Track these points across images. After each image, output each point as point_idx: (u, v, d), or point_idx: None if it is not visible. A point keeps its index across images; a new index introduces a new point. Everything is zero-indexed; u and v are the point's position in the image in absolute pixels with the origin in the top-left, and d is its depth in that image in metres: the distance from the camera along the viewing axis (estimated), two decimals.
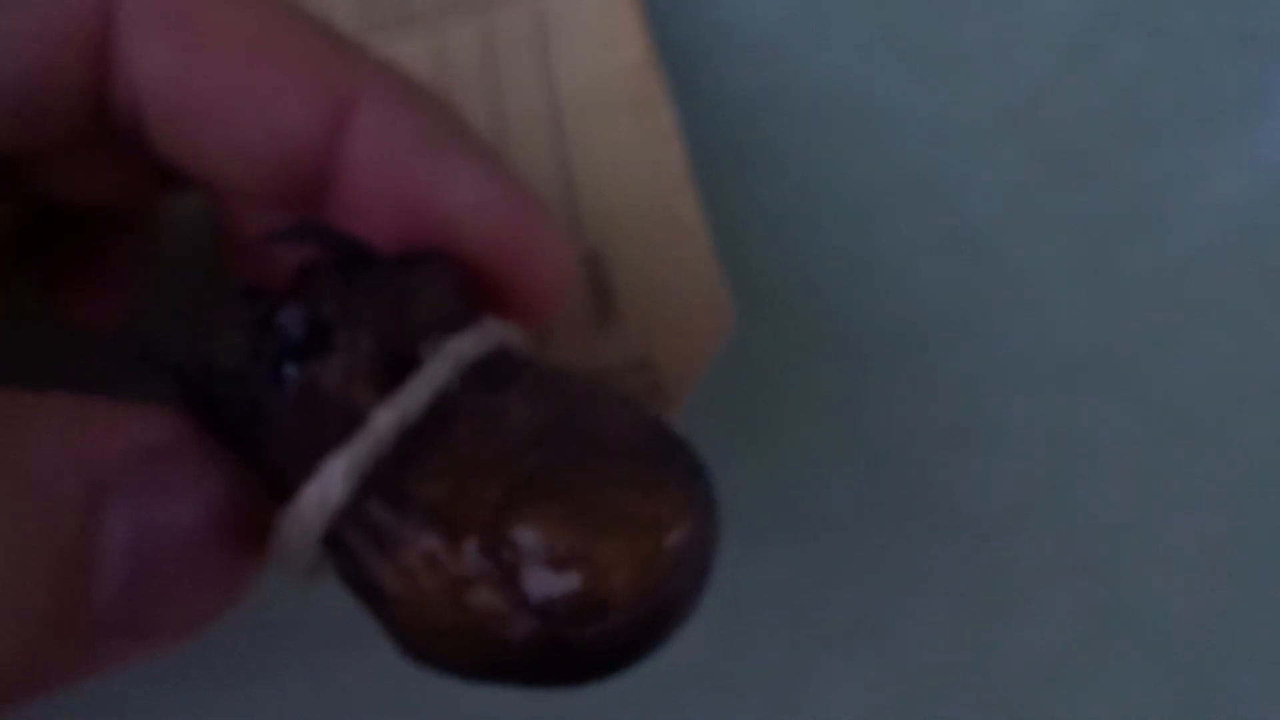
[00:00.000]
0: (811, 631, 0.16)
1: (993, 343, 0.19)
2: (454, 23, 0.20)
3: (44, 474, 0.09)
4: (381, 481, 0.10)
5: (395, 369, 0.11)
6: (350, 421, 0.10)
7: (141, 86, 0.12)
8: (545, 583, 0.10)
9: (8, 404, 0.09)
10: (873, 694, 0.16)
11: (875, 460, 0.18)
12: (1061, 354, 0.19)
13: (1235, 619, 0.17)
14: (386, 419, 0.10)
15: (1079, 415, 0.18)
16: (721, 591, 0.17)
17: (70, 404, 0.10)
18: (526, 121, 0.16)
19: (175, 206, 0.18)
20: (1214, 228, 0.20)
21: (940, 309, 0.19)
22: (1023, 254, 0.20)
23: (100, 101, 0.12)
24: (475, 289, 0.12)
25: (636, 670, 0.16)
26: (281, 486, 0.11)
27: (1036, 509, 0.17)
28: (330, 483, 0.10)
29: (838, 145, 0.21)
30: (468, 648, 0.10)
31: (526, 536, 0.10)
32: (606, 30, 0.19)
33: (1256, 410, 0.18)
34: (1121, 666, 0.16)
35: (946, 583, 0.17)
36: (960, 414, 0.18)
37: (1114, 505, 0.17)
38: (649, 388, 0.16)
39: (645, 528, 0.10)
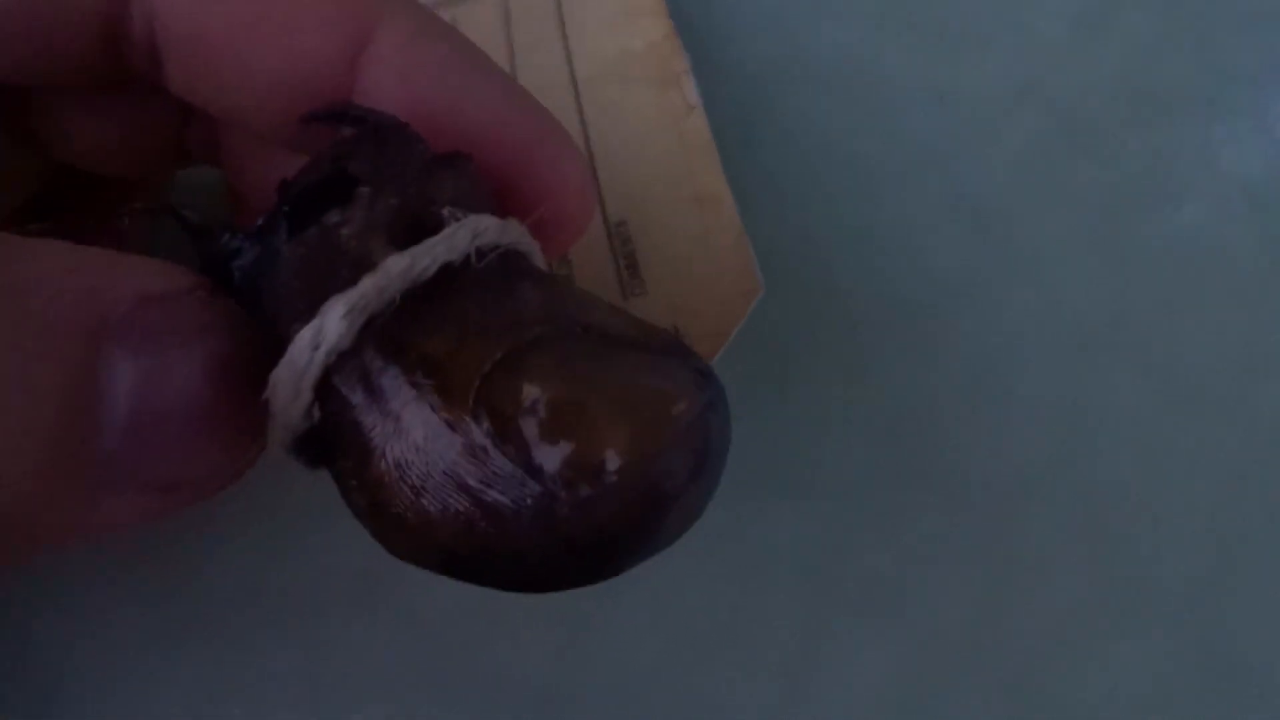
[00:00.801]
0: (826, 595, 0.17)
1: (1002, 312, 0.19)
2: (476, 5, 0.20)
3: (47, 310, 0.09)
4: (381, 331, 0.10)
5: (415, 232, 0.10)
6: (361, 271, 0.10)
7: (159, 14, 0.12)
8: (541, 439, 0.09)
9: (12, 244, 0.09)
10: (887, 656, 0.16)
11: (888, 427, 0.18)
12: (1071, 324, 0.19)
13: (1246, 586, 0.17)
14: (397, 264, 0.10)
15: (1089, 384, 0.18)
16: (737, 554, 0.17)
17: (75, 248, 0.10)
18: (543, 93, 0.16)
19: (185, 178, 0.18)
20: (1223, 201, 0.20)
21: (950, 279, 0.19)
22: (1032, 226, 0.20)
23: (115, 32, 0.12)
24: (501, 202, 0.12)
25: (647, 629, 0.16)
26: (284, 344, 0.10)
27: (1047, 476, 0.17)
28: (329, 321, 0.10)
29: (847, 118, 0.21)
30: (451, 514, 0.10)
31: (525, 391, 0.10)
32: (625, 7, 0.19)
33: (1265, 379, 0.18)
34: (1132, 633, 0.16)
35: (959, 548, 0.17)
36: (971, 382, 0.18)
37: (1124, 473, 0.17)
38: None
39: (646, 396, 0.10)
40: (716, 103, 0.20)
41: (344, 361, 0.10)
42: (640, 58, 0.18)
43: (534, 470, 0.09)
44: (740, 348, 0.18)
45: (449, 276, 0.10)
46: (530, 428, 0.10)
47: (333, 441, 0.11)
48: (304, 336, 0.10)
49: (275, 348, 0.10)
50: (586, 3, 0.20)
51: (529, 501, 0.09)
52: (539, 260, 0.12)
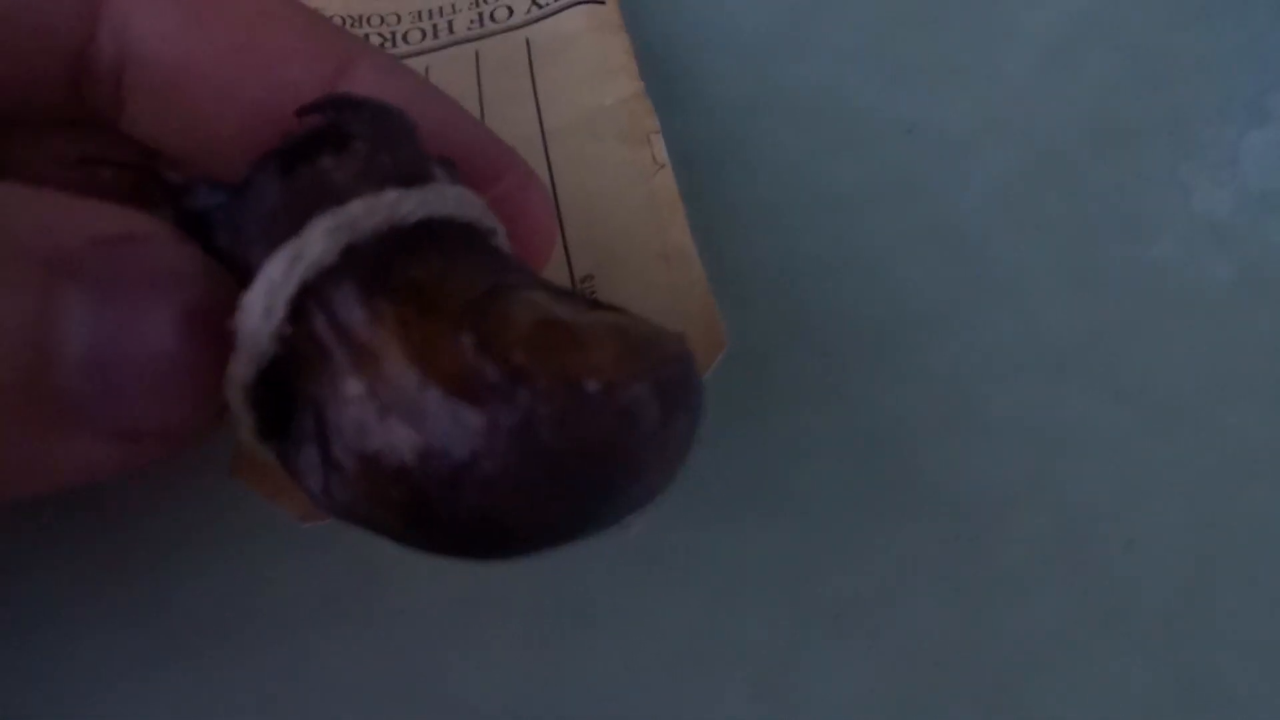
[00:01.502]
0: (800, 615, 0.16)
1: (975, 336, 0.19)
2: (447, 55, 0.21)
3: (7, 236, 0.09)
4: (363, 258, 0.10)
5: (400, 182, 0.10)
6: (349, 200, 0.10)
7: (134, 45, 0.12)
8: (523, 356, 0.09)
9: None
10: (863, 677, 0.16)
11: (863, 450, 0.18)
12: (1043, 348, 0.19)
13: (1220, 606, 0.17)
14: (387, 196, 0.10)
15: (1061, 407, 0.18)
16: (712, 575, 0.17)
17: (31, 189, 0.10)
18: (513, 144, 0.17)
19: None
20: (1190, 234, 0.21)
21: (923, 304, 0.19)
22: (1003, 253, 0.20)
23: (81, 65, 0.12)
24: None
25: (622, 649, 0.16)
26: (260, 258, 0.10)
27: (1022, 497, 0.17)
28: (311, 237, 0.10)
29: (822, 148, 0.21)
30: (428, 438, 0.09)
31: (509, 312, 0.09)
32: (600, 64, 0.20)
33: (1234, 403, 0.18)
34: (1109, 653, 0.16)
35: (934, 568, 0.17)
36: (945, 405, 0.18)
37: (1098, 496, 0.18)
38: None
39: (631, 331, 0.10)
40: (695, 133, 0.20)
41: (324, 282, 0.10)
42: (611, 115, 0.19)
43: (514, 379, 0.09)
44: (716, 371, 0.18)
45: (431, 232, 0.10)
46: (509, 346, 0.09)
47: (298, 375, 0.10)
48: (283, 252, 0.10)
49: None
50: (558, 58, 0.20)
51: (507, 416, 0.09)
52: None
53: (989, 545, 0.17)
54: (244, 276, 0.10)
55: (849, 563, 0.17)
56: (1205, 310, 0.19)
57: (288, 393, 0.10)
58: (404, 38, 0.21)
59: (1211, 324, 0.19)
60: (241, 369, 0.10)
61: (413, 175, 0.11)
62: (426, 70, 0.20)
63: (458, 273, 0.10)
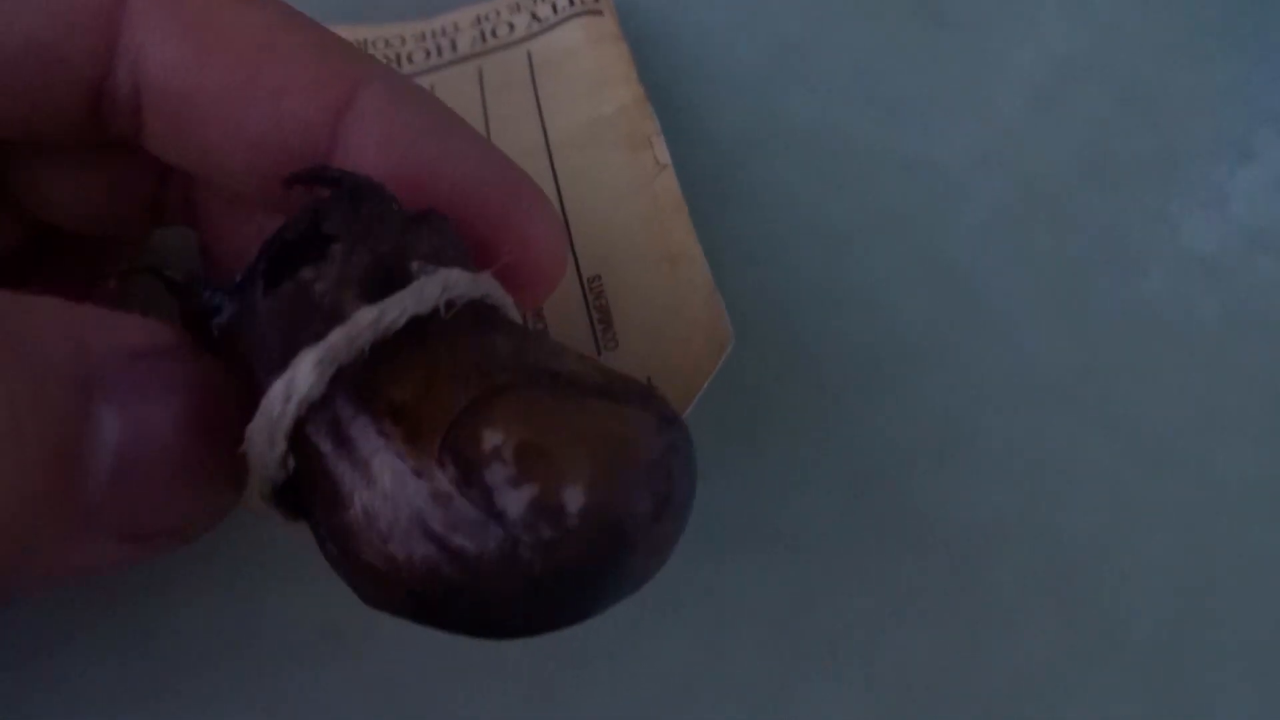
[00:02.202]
0: (793, 646, 0.17)
1: (967, 370, 0.19)
2: (451, 73, 0.21)
3: (42, 360, 0.09)
4: (352, 380, 0.10)
5: (387, 287, 0.11)
6: (333, 324, 0.10)
7: (148, 76, 0.12)
8: (504, 483, 0.10)
9: (6, 299, 0.10)
10: (854, 708, 0.16)
11: (856, 482, 0.18)
12: (1034, 381, 0.19)
13: (1209, 637, 0.17)
14: (365, 316, 0.10)
15: (1052, 441, 0.18)
16: (703, 606, 0.17)
17: (68, 304, 0.10)
18: (518, 157, 0.17)
19: (158, 238, 0.18)
20: (1179, 268, 0.21)
21: (916, 338, 0.19)
22: (995, 288, 0.20)
23: (101, 94, 0.13)
24: (476, 258, 0.13)
25: (616, 683, 0.16)
26: (263, 391, 0.10)
27: (1014, 529, 0.18)
28: (300, 372, 0.10)
29: (816, 184, 0.21)
30: (418, 560, 0.10)
31: (488, 437, 0.10)
32: (601, 74, 0.20)
33: (1222, 437, 0.19)
34: (1099, 683, 0.16)
35: (926, 600, 0.17)
36: (937, 437, 0.18)
37: (1089, 527, 0.18)
38: None
39: (607, 439, 0.10)
40: (690, 169, 0.21)
41: (315, 412, 0.10)
42: (612, 122, 0.19)
43: (497, 514, 0.10)
44: (711, 403, 0.18)
45: (419, 328, 0.11)
46: (494, 473, 0.10)
47: (307, 491, 0.11)
48: (277, 388, 0.10)
49: (253, 400, 0.11)
50: (559, 70, 0.20)
51: (493, 545, 0.10)
52: (513, 313, 0.13)
53: (981, 576, 0.17)
54: (245, 381, 0.11)
55: (843, 594, 0.17)
56: (1193, 345, 0.20)
57: (303, 490, 0.11)
58: (409, 58, 0.21)
59: (1199, 359, 0.20)
60: (258, 486, 0.11)
61: (392, 270, 0.11)
62: (432, 88, 0.20)
63: (439, 386, 0.10)
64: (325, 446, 0.10)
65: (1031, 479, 0.18)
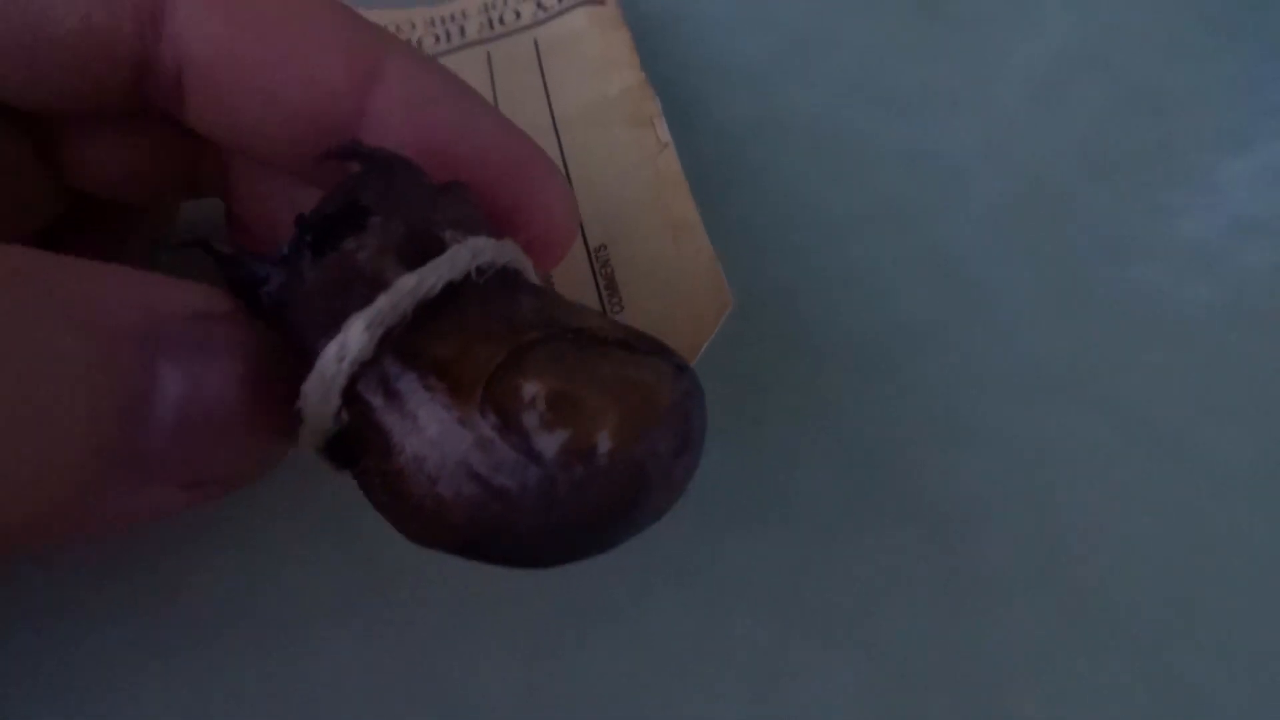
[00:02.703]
0: (790, 617, 0.17)
1: (964, 355, 0.20)
2: (461, 57, 0.22)
3: (110, 316, 0.10)
4: (397, 341, 0.11)
5: (422, 254, 0.12)
6: (376, 290, 0.11)
7: (190, 53, 0.13)
8: (540, 428, 0.11)
9: (80, 262, 0.10)
10: (850, 678, 0.17)
11: (854, 460, 0.18)
12: (1029, 366, 0.20)
13: (1196, 616, 0.17)
14: (407, 282, 0.11)
15: (1047, 424, 0.19)
16: (704, 576, 0.17)
17: (133, 270, 0.11)
18: (527, 132, 0.18)
19: (188, 209, 0.19)
20: (1175, 257, 0.21)
21: (915, 323, 0.20)
22: (993, 276, 0.21)
23: (143, 71, 0.13)
24: (495, 225, 0.13)
25: (618, 652, 0.17)
26: (311, 357, 0.11)
27: (1006, 509, 0.18)
28: (351, 335, 0.11)
29: (819, 174, 0.22)
30: (464, 499, 0.11)
31: (525, 388, 0.11)
32: (604, 57, 0.21)
33: (1213, 422, 0.19)
34: (1088, 660, 0.17)
35: (922, 577, 0.17)
36: (934, 420, 0.19)
37: (1081, 508, 0.18)
38: None
39: (631, 386, 0.11)
40: (695, 160, 0.21)
41: (366, 370, 0.11)
42: (615, 103, 0.20)
43: (535, 456, 0.11)
44: (713, 383, 0.19)
45: (453, 292, 0.12)
46: (530, 419, 0.11)
47: (357, 442, 0.12)
48: (330, 350, 0.11)
49: (301, 361, 0.11)
50: (565, 54, 0.21)
51: (531, 484, 0.11)
52: (532, 276, 0.13)
53: (974, 555, 0.18)
54: (291, 345, 0.12)
55: (840, 570, 0.18)
56: (1187, 332, 0.20)
57: (353, 442, 0.12)
58: (419, 43, 0.22)
59: (1192, 345, 0.20)
60: (310, 439, 0.12)
61: (425, 238, 0.12)
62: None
63: (476, 343, 0.11)
64: (376, 401, 0.11)
65: (1025, 461, 0.19)
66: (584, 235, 0.18)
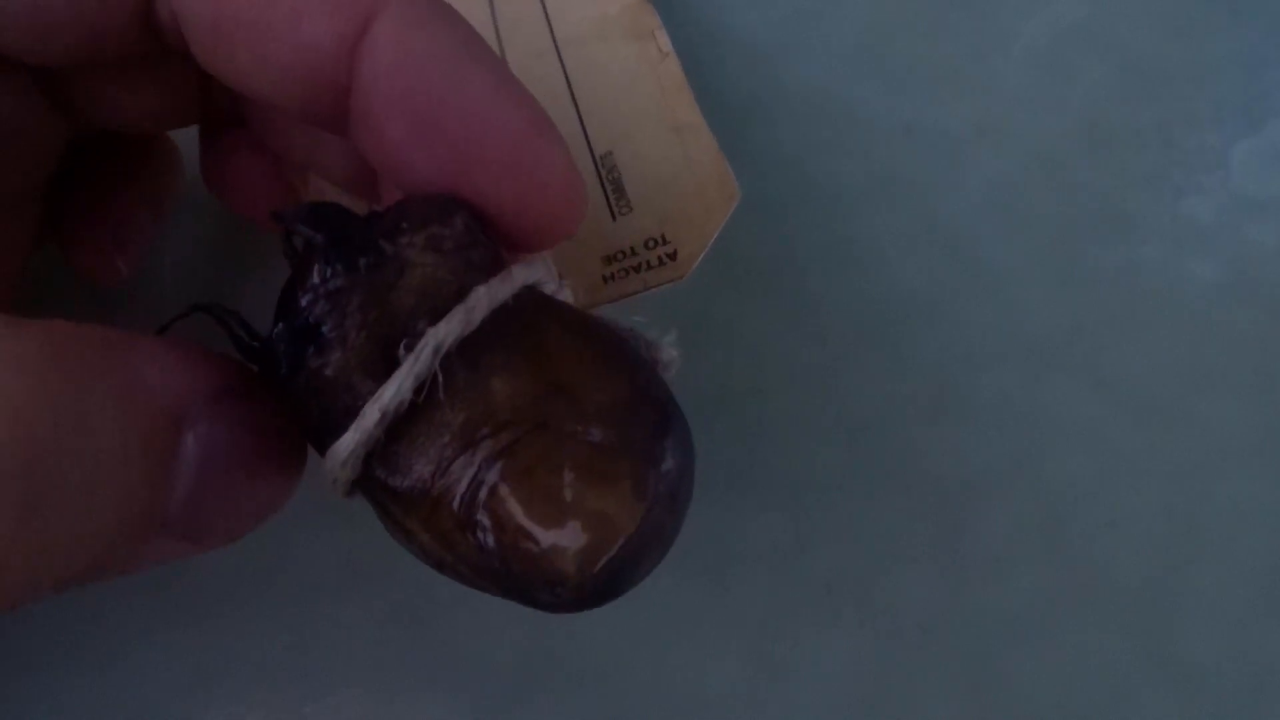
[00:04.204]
0: (793, 588, 0.17)
1: (963, 327, 0.20)
2: None
3: (150, 395, 0.11)
4: (383, 456, 0.12)
5: (389, 352, 0.12)
6: (348, 416, 0.12)
7: (183, 11, 0.13)
8: (508, 552, 0.11)
9: (115, 334, 0.11)
10: (849, 645, 0.17)
11: (854, 431, 0.19)
12: (1028, 339, 0.20)
13: (1190, 584, 0.18)
14: (371, 415, 0.12)
15: (1044, 395, 0.19)
16: (707, 548, 0.18)
17: (164, 343, 0.12)
18: (528, 57, 0.18)
19: (189, 198, 0.19)
20: (1176, 234, 0.21)
21: (915, 295, 0.20)
22: (992, 248, 0.21)
23: (148, 19, 0.13)
24: (487, 220, 0.13)
25: (621, 620, 0.17)
26: (308, 428, 0.12)
27: (1004, 479, 0.18)
28: (335, 461, 0.12)
29: (822, 146, 0.22)
30: (468, 581, 0.12)
31: (493, 514, 0.12)
32: None
33: (1210, 396, 0.19)
34: (1083, 626, 0.17)
35: (920, 545, 0.18)
36: (933, 391, 0.19)
37: (1078, 478, 0.18)
38: (664, 258, 0.17)
39: (593, 521, 0.12)
40: None
41: (357, 485, 0.12)
42: (616, 20, 0.20)
43: (504, 579, 0.12)
44: (714, 355, 0.19)
45: (423, 384, 0.12)
46: (502, 543, 0.12)
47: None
48: (329, 468, 0.12)
49: (301, 427, 0.12)
50: None
51: (509, 591, 0.12)
52: (542, 271, 0.13)
53: (972, 524, 0.18)
54: (294, 411, 0.12)
55: (838, 538, 0.18)
56: (1186, 308, 0.20)
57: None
58: None
59: (1191, 321, 0.20)
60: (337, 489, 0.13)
61: (388, 338, 0.12)
62: None
63: (450, 461, 0.12)
64: (380, 500, 0.12)
65: (1023, 432, 0.19)
66: (589, 144, 0.19)
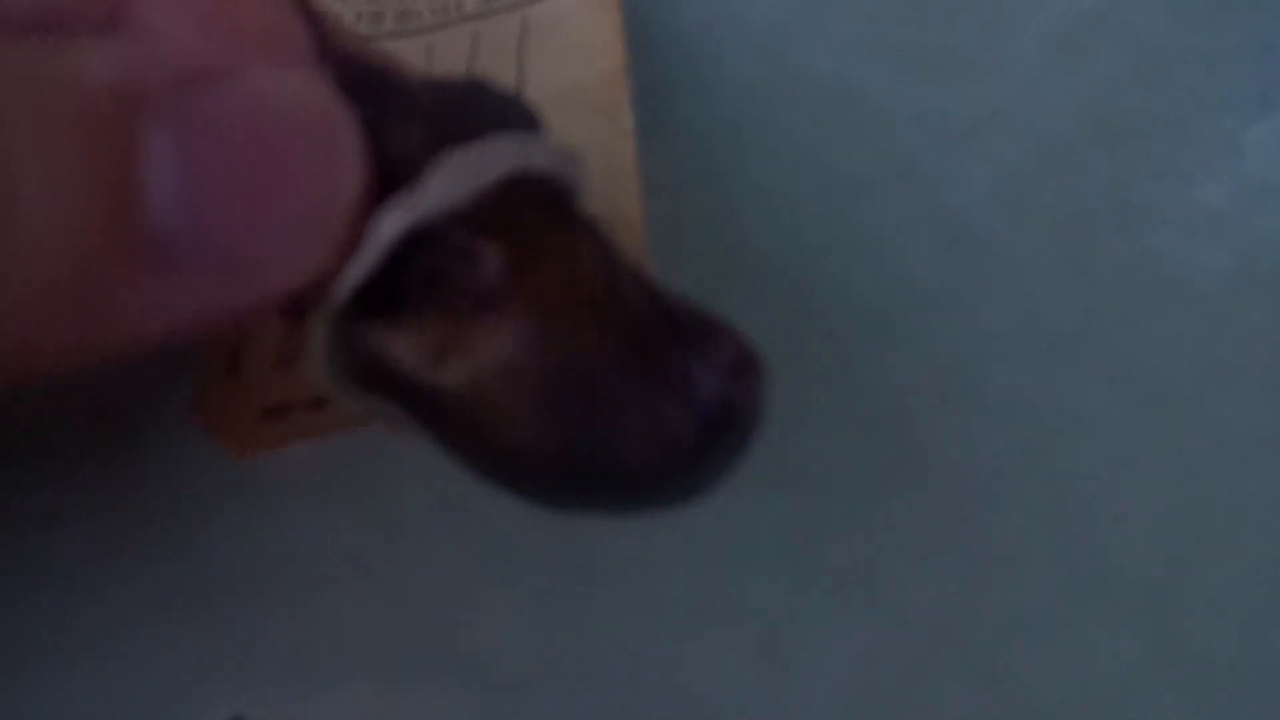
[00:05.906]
0: (801, 579, 0.17)
1: (974, 318, 0.20)
2: (451, 33, 0.22)
3: (76, 74, 0.08)
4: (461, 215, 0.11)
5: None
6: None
7: None
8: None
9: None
10: (859, 638, 0.17)
11: (864, 424, 0.18)
12: (1040, 331, 0.19)
13: (1203, 580, 0.17)
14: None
15: (1056, 387, 0.19)
16: (717, 538, 0.17)
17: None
18: None
19: None
20: (1190, 223, 0.21)
21: (925, 286, 0.20)
22: (1004, 239, 0.21)
23: None
24: None
25: (628, 614, 0.17)
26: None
27: (1016, 472, 0.18)
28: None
29: (829, 135, 0.22)
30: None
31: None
32: (588, 41, 0.21)
33: (1225, 389, 0.19)
34: (1095, 621, 0.17)
35: (931, 538, 0.17)
36: (944, 383, 0.19)
37: (1090, 471, 0.18)
38: None
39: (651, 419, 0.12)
40: (708, 116, 0.21)
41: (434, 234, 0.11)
42: (585, 90, 0.20)
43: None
44: None
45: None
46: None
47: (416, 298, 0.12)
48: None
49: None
50: (549, 37, 0.21)
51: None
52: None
53: (983, 517, 0.18)
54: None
55: (849, 531, 0.18)
56: (1200, 298, 0.20)
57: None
58: (418, 15, 0.22)
59: (1206, 312, 0.20)
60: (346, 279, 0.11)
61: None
62: (429, 49, 0.21)
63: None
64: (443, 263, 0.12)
65: (1034, 424, 0.19)
66: None
